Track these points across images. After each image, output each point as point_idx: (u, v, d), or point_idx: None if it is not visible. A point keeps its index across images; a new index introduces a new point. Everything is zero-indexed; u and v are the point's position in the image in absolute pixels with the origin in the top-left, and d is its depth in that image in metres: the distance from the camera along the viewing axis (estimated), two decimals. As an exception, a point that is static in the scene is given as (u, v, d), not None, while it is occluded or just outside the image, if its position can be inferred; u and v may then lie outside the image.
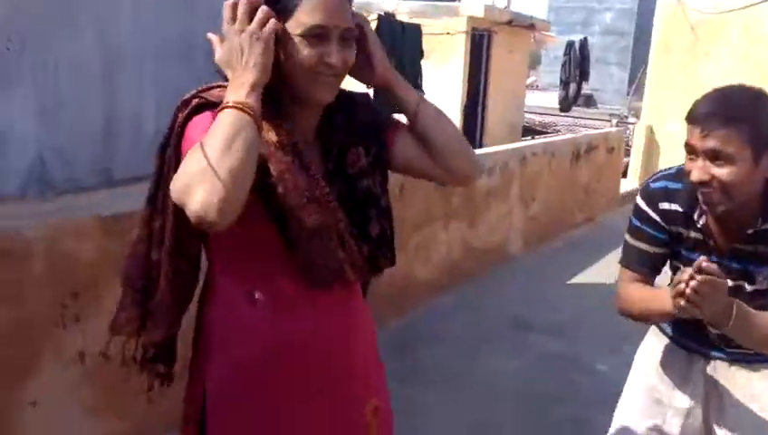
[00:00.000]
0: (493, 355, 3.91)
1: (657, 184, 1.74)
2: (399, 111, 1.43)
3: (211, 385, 1.36)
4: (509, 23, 9.98)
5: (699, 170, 1.53)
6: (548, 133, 10.21)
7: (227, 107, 1.13)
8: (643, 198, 1.76)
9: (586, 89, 18.17)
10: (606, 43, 32.25)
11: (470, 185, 1.49)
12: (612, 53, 32.71)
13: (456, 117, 9.49)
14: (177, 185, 1.11)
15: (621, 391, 1.97)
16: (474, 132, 10.02)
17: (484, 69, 10.02)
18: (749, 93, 1.56)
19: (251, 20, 1.19)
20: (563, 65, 12.41)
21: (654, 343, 1.93)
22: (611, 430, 1.96)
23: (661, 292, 1.63)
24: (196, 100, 1.26)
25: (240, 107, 1.12)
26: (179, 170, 1.12)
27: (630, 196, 9.00)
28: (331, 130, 1.38)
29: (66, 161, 2.62)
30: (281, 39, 1.23)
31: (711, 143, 1.50)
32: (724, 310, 1.51)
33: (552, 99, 19.41)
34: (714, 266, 1.46)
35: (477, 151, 5.70)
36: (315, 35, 1.23)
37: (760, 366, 1.77)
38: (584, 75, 12.30)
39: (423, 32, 7.13)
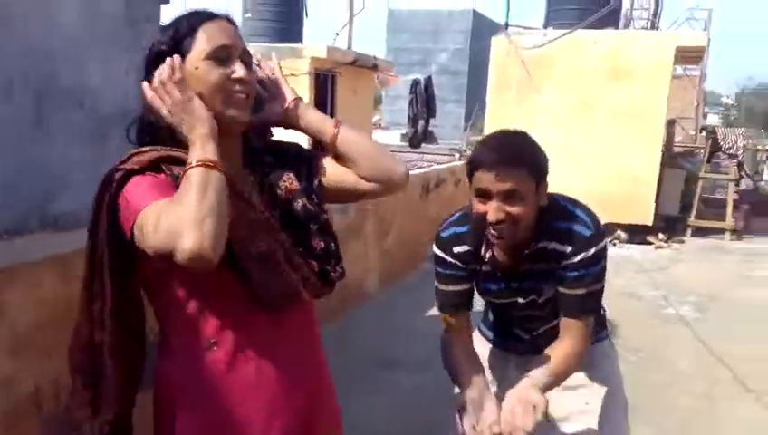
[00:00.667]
0: (358, 394, 3.82)
1: (447, 232, 1.90)
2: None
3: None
4: (352, 63, 10.15)
5: (495, 211, 1.66)
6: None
7: (192, 167, 1.20)
8: (438, 247, 1.92)
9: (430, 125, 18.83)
10: (442, 82, 33.73)
11: (403, 189, 1.56)
12: (449, 91, 34.31)
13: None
14: (159, 237, 1.15)
15: None
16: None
17: (330, 108, 10.10)
18: (521, 137, 1.76)
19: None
20: (410, 103, 12.78)
21: (480, 348, 2.06)
22: None
23: (468, 378, 1.80)
24: (119, 173, 1.29)
25: (202, 164, 1.21)
26: (154, 225, 1.17)
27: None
28: (259, 159, 1.45)
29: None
30: (190, 74, 1.31)
31: (508, 185, 1.64)
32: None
33: (395, 136, 19.96)
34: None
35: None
36: (219, 57, 1.32)
37: None
38: (431, 112, 12.74)
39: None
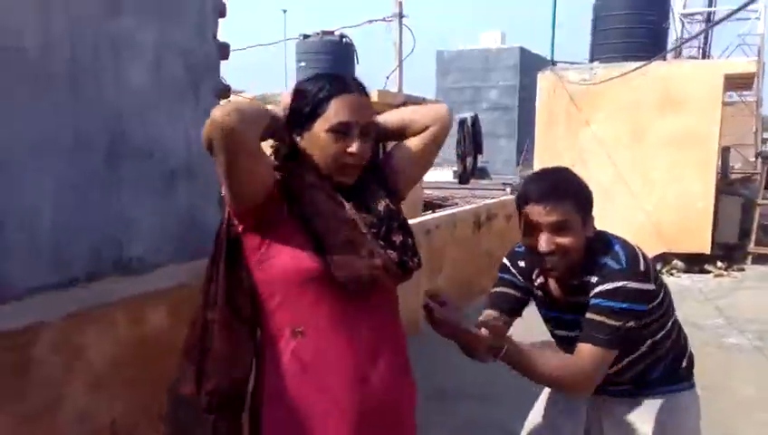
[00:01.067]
0: (421, 428, 3.89)
1: (520, 247, 2.02)
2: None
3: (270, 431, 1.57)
4: (403, 104, 10.38)
5: (546, 242, 1.78)
6: (447, 206, 10.49)
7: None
8: (507, 257, 2.10)
9: (480, 161, 18.91)
10: (493, 118, 33.89)
11: (450, 122, 1.83)
12: (500, 126, 34.37)
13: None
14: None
15: None
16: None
17: (383, 149, 10.31)
18: (565, 172, 1.91)
19: None
20: (458, 142, 12.90)
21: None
22: None
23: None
24: None
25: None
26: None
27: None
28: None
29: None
30: (317, 136, 1.57)
31: (555, 217, 1.77)
32: (492, 344, 1.77)
33: (446, 174, 20.05)
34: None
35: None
36: (340, 131, 1.56)
37: (634, 400, 2.01)
38: (479, 148, 12.82)
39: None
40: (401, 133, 1.78)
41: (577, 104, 9.27)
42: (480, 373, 4.86)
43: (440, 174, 21.74)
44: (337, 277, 1.53)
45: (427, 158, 1.84)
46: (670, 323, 1.99)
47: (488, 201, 8.27)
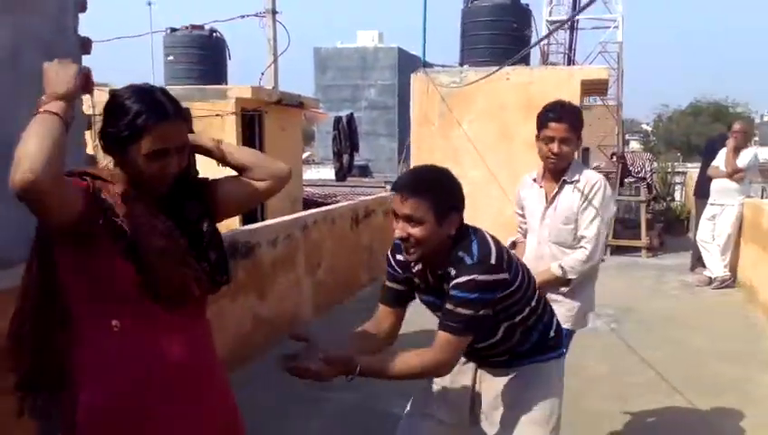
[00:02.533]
0: (296, 418, 3.98)
1: (396, 242, 2.19)
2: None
3: (83, 415, 1.62)
4: (278, 102, 10.37)
5: (400, 230, 2.03)
6: (328, 203, 10.61)
7: (37, 114, 1.52)
8: (389, 251, 2.31)
9: (359, 159, 19.21)
10: (373, 117, 34.41)
11: (287, 182, 1.95)
12: (380, 125, 34.92)
13: (236, 195, 9.57)
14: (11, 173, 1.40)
15: None
16: (254, 209, 10.15)
17: (259, 147, 10.26)
18: (435, 171, 2.12)
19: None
20: (334, 139, 13.09)
21: None
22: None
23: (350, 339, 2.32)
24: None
25: (44, 111, 1.52)
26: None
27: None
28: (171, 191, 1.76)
29: None
30: (134, 159, 1.64)
31: (406, 209, 2.00)
32: (343, 371, 2.05)
33: (329, 172, 20.20)
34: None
35: (259, 224, 5.84)
36: (158, 155, 1.64)
37: (507, 371, 2.29)
38: (354, 146, 13.06)
39: (193, 115, 7.19)
40: (240, 171, 1.91)
41: (449, 106, 9.65)
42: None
43: (322, 172, 21.85)
44: (149, 283, 1.64)
45: (250, 205, 2.07)
46: (534, 301, 2.24)
47: (365, 198, 8.45)
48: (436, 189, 2.04)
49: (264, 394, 4.34)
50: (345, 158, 12.86)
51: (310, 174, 18.71)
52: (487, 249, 2.04)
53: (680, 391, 4.44)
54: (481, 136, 9.49)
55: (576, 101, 9.42)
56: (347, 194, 12.94)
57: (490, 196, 9.08)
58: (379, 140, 34.62)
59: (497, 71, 8.33)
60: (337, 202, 11.33)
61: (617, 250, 10.22)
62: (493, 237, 2.12)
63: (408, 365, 2.04)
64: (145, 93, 1.67)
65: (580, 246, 3.03)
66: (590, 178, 3.08)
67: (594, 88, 10.71)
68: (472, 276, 1.97)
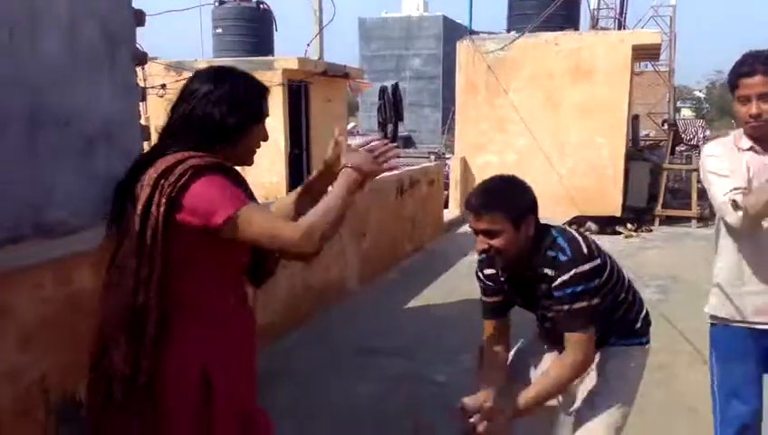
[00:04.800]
0: (342, 383, 4.07)
1: (480, 257, 2.29)
2: None
3: (212, 358, 1.74)
4: (324, 73, 10.41)
5: (480, 243, 2.15)
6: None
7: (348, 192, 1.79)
8: (477, 268, 2.38)
9: (403, 130, 19.18)
10: (417, 88, 34.14)
11: (305, 249, 1.72)
12: (424, 95, 34.66)
13: (281, 165, 9.69)
14: (293, 233, 1.65)
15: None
16: (301, 178, 10.24)
17: (305, 118, 10.34)
18: (504, 182, 2.21)
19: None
20: (379, 109, 13.09)
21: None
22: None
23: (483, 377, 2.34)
24: (186, 167, 1.64)
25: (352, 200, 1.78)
26: (271, 225, 1.67)
27: (454, 223, 9.63)
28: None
29: None
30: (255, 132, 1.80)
31: (482, 225, 2.12)
32: (510, 417, 2.13)
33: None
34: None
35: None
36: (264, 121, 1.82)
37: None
38: (399, 116, 13.06)
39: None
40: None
41: (495, 74, 9.54)
42: (403, 335, 5.11)
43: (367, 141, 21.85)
44: (259, 265, 1.88)
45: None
46: (625, 290, 2.29)
47: (410, 168, 8.46)
48: (506, 200, 2.15)
49: (311, 359, 4.45)
50: (390, 128, 12.86)
51: (354, 143, 18.75)
52: (576, 242, 2.13)
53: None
54: (527, 104, 9.38)
55: (627, 67, 9.23)
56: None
57: (534, 165, 9.01)
58: (424, 110, 34.40)
59: (537, 28, 8.20)
60: (382, 172, 11.37)
61: (666, 220, 10.05)
62: (576, 230, 2.23)
63: (559, 380, 2.15)
64: (239, 71, 1.85)
65: None
66: None
67: (646, 53, 10.47)
68: (573, 271, 2.06)
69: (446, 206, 9.74)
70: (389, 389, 4.00)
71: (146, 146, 3.19)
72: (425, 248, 7.96)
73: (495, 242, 2.11)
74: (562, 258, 2.08)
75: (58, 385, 2.47)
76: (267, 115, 1.83)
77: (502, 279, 2.30)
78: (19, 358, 2.30)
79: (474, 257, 2.43)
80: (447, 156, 14.46)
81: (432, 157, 12.66)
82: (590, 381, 2.33)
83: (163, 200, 1.63)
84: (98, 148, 2.92)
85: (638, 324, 2.36)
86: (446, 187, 10.11)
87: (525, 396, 2.14)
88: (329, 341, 4.78)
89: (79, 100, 2.83)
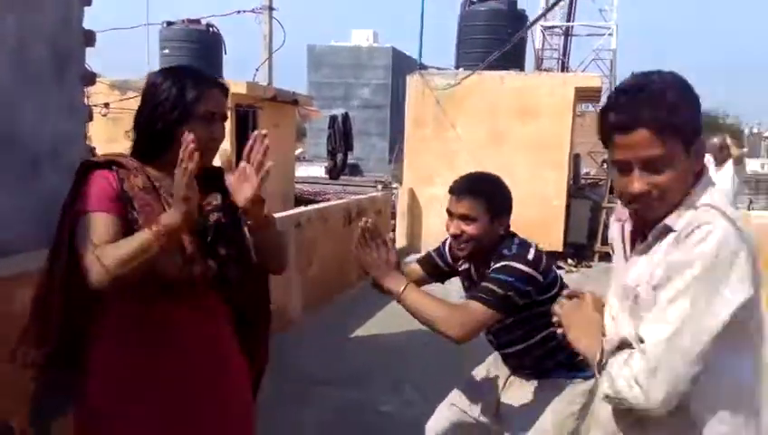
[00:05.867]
0: (288, 412, 4.01)
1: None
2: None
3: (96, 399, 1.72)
4: (273, 98, 10.39)
5: (454, 227, 2.22)
6: (319, 201, 10.63)
7: (148, 234, 1.58)
8: (446, 241, 2.45)
9: (351, 158, 19.24)
10: (366, 116, 34.40)
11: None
12: (372, 124, 34.93)
13: (228, 190, 9.58)
14: (92, 259, 1.57)
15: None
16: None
17: (253, 143, 10.25)
18: (487, 176, 2.33)
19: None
20: (329, 137, 13.15)
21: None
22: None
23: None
24: (84, 166, 1.71)
25: (155, 237, 1.57)
26: (115, 250, 1.58)
27: (400, 253, 9.65)
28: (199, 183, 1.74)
29: None
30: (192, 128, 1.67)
31: (462, 209, 2.20)
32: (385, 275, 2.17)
33: (319, 169, 20.22)
34: None
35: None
36: (206, 119, 1.71)
37: (534, 380, 2.38)
38: (349, 145, 13.13)
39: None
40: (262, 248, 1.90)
41: (443, 108, 9.70)
42: (349, 365, 5.08)
43: (313, 169, 21.85)
44: (157, 277, 1.68)
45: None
46: None
47: (358, 197, 8.48)
48: (490, 191, 2.25)
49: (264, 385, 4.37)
50: (339, 156, 12.91)
51: (300, 171, 18.71)
52: (526, 249, 2.19)
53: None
54: (474, 138, 9.55)
55: (569, 108, 9.52)
56: (338, 192, 12.96)
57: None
58: (372, 139, 34.63)
59: (485, 67, 8.38)
60: (328, 200, 11.38)
61: (605, 256, 10.27)
62: (536, 246, 2.26)
63: (437, 311, 2.07)
64: (181, 71, 1.78)
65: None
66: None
67: (587, 95, 10.81)
68: (507, 262, 2.13)
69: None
70: (336, 419, 3.97)
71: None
72: (369, 278, 7.94)
73: (469, 228, 2.19)
74: (506, 253, 2.16)
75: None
76: (203, 113, 1.71)
77: (460, 269, 2.41)
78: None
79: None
80: (394, 185, 14.58)
81: (379, 186, 12.72)
82: (525, 411, 2.35)
83: (68, 200, 1.72)
84: (43, 167, 2.85)
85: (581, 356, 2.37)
86: (393, 216, 10.16)
87: (416, 289, 2.11)
88: (273, 369, 4.69)
89: (25, 119, 2.76)
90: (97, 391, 1.73)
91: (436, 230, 9.68)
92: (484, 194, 2.22)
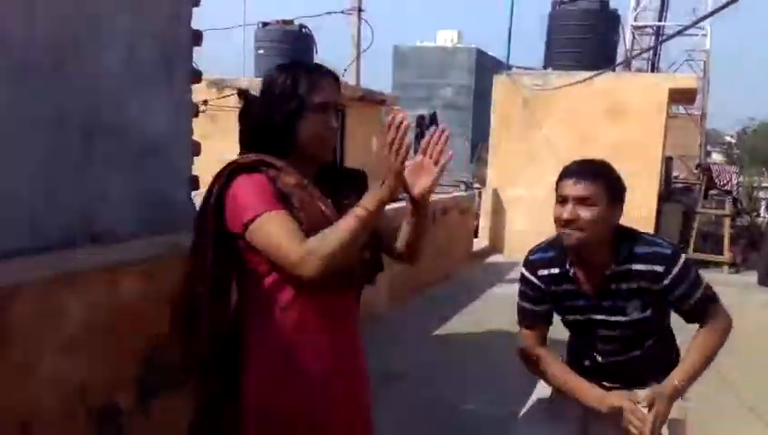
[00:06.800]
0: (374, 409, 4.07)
1: (535, 256, 2.23)
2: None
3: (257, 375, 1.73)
4: (361, 99, 10.52)
5: (569, 212, 2.03)
6: (404, 200, 10.68)
7: (353, 219, 1.58)
8: (526, 268, 2.23)
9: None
10: (448, 117, 34.20)
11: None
12: (454, 125, 34.73)
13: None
14: (297, 250, 1.57)
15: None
16: (332, 202, 10.31)
17: (339, 141, 10.44)
18: (602, 162, 2.15)
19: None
20: (416, 137, 13.17)
21: None
22: None
23: (584, 385, 2.15)
24: (229, 169, 1.69)
25: (363, 222, 1.59)
26: (323, 241, 1.57)
27: (482, 253, 9.62)
28: (333, 181, 1.84)
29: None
30: (299, 130, 1.71)
31: (580, 191, 2.02)
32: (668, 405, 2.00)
33: (402, 169, 20.24)
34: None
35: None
36: (323, 109, 1.72)
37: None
38: (434, 145, 13.12)
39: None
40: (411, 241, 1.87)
41: (530, 109, 9.58)
42: (429, 362, 5.11)
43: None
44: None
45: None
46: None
47: (442, 196, 8.49)
48: (609, 176, 2.10)
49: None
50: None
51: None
52: (666, 240, 2.14)
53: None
54: (561, 140, 9.39)
55: (662, 110, 9.23)
56: (421, 192, 12.95)
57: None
58: (453, 139, 34.00)
59: (590, 78, 8.20)
60: (411, 200, 11.43)
61: (696, 264, 9.91)
62: None
63: (713, 347, 2.09)
64: (294, 64, 1.79)
65: None
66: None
67: (681, 97, 10.44)
68: (681, 261, 2.05)
69: (475, 235, 9.75)
70: (413, 417, 4.00)
71: (195, 161, 3.27)
72: (453, 277, 7.95)
73: (586, 214, 2.01)
74: (666, 251, 2.06)
75: (100, 390, 2.51)
76: (319, 103, 1.72)
77: (570, 272, 2.14)
78: (64, 362, 2.35)
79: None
80: (475, 185, 14.49)
81: (462, 186, 12.67)
82: None
83: (212, 202, 1.70)
84: (151, 160, 3.00)
85: (675, 361, 2.23)
86: (476, 216, 10.12)
87: (677, 375, 2.05)
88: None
89: (136, 114, 2.92)
90: (253, 389, 1.75)
91: (519, 230, 9.62)
92: (604, 177, 2.07)
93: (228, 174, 1.69)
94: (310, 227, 1.63)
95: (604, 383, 2.22)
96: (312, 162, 1.78)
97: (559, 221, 2.06)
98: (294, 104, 1.70)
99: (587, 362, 2.28)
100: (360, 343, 1.91)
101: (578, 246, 2.07)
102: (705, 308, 2.10)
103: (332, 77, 1.80)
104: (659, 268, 2.03)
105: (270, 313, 1.73)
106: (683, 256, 2.06)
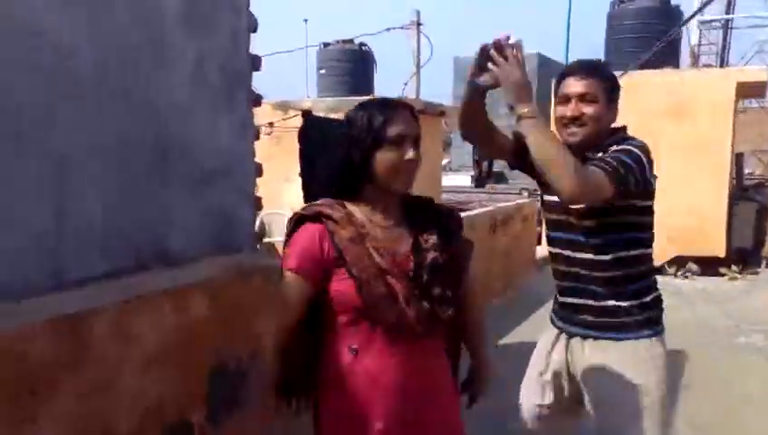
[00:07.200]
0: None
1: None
2: None
3: (326, 415, 1.87)
4: (421, 111, 10.58)
5: (572, 110, 2.15)
6: (466, 209, 10.66)
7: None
8: None
9: (496, 166, 19.11)
10: (511, 124, 33.85)
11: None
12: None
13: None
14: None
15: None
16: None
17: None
18: (598, 61, 2.37)
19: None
20: (475, 146, 13.13)
21: (545, 334, 2.58)
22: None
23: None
24: (291, 218, 1.87)
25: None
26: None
27: (546, 261, 9.47)
28: (414, 217, 1.91)
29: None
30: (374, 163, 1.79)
31: (582, 88, 2.14)
32: (521, 88, 2.02)
33: (465, 178, 20.20)
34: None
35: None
36: (397, 142, 1.77)
37: (604, 342, 2.25)
38: (493, 154, 13.03)
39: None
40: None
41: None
42: (496, 371, 5.05)
43: (458, 178, 21.90)
44: (372, 318, 1.79)
45: None
46: (649, 249, 2.30)
47: (504, 204, 8.44)
48: (606, 72, 2.23)
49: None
50: (485, 164, 12.88)
51: (446, 180, 18.83)
52: (643, 142, 2.17)
53: None
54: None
55: (731, 105, 8.93)
56: (483, 201, 12.90)
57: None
58: (516, 146, 34.04)
59: (636, 66, 8.01)
60: (473, 208, 11.39)
61: (772, 266, 9.53)
62: None
63: (560, 153, 1.95)
64: (371, 101, 1.89)
65: None
66: None
67: (751, 90, 10.07)
68: (635, 149, 2.10)
69: (538, 243, 9.63)
70: (479, 424, 3.98)
71: (258, 182, 3.39)
72: (517, 285, 7.88)
73: (588, 109, 2.13)
74: (637, 142, 2.14)
75: (173, 407, 2.63)
76: (394, 136, 1.78)
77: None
78: (141, 381, 2.47)
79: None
80: (538, 192, 14.20)
81: (524, 193, 12.55)
82: (606, 396, 2.24)
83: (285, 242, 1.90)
84: (214, 181, 3.13)
85: (649, 300, 2.25)
86: (539, 223, 9.98)
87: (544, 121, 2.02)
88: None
89: (200, 136, 3.05)
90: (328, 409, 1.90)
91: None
92: (604, 75, 2.20)
93: (295, 221, 1.85)
94: (362, 281, 1.74)
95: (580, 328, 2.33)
96: (391, 194, 1.86)
97: (562, 120, 2.18)
98: (370, 139, 1.78)
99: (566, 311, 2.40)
100: (443, 387, 1.98)
101: (582, 143, 2.14)
102: (596, 164, 2.03)
103: (408, 110, 1.85)
104: (615, 147, 2.11)
105: (339, 353, 1.83)
106: (636, 148, 2.10)
